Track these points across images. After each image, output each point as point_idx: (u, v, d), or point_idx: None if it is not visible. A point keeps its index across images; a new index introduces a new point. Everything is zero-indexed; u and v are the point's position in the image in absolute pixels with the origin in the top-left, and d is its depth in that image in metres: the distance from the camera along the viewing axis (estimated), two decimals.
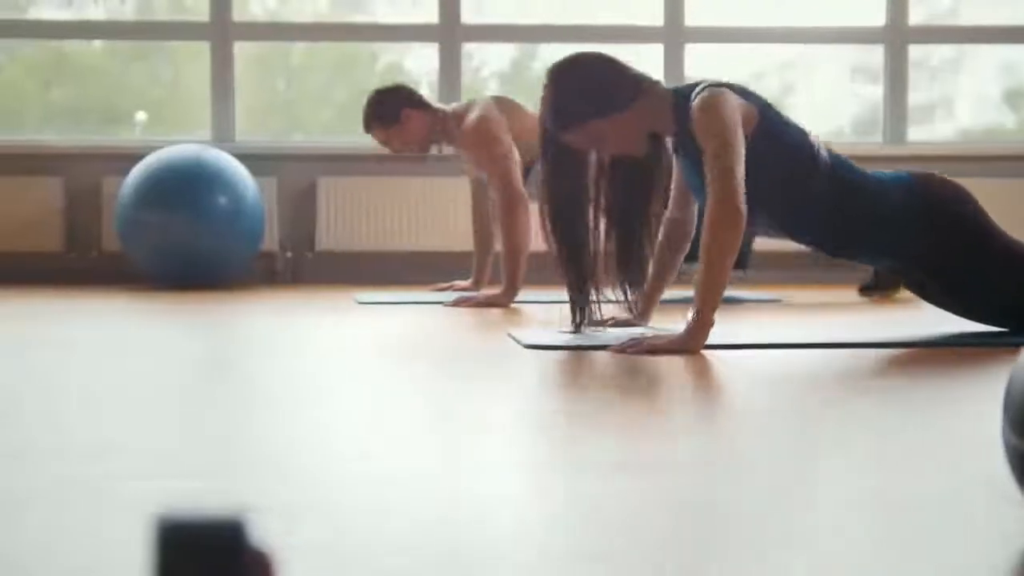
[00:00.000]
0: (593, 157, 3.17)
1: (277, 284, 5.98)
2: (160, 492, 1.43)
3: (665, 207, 3.30)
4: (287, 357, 2.87)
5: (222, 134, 6.18)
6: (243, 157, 5.72)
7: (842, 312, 4.25)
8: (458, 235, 5.91)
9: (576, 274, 3.19)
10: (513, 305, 4.48)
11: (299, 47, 6.88)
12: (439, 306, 4.45)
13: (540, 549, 1.20)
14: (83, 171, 6.05)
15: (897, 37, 6.38)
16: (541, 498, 1.43)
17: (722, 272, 2.87)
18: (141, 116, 6.72)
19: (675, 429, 1.88)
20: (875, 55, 6.54)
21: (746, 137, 2.97)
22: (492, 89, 6.91)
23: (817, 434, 1.84)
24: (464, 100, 4.94)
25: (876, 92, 6.60)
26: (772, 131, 3.02)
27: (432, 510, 1.35)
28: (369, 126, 4.82)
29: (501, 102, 4.75)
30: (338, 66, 7.03)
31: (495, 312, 4.22)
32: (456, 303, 4.44)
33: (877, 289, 4.82)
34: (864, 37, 6.50)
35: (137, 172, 5.48)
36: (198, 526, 0.63)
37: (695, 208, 3.35)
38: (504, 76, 7.09)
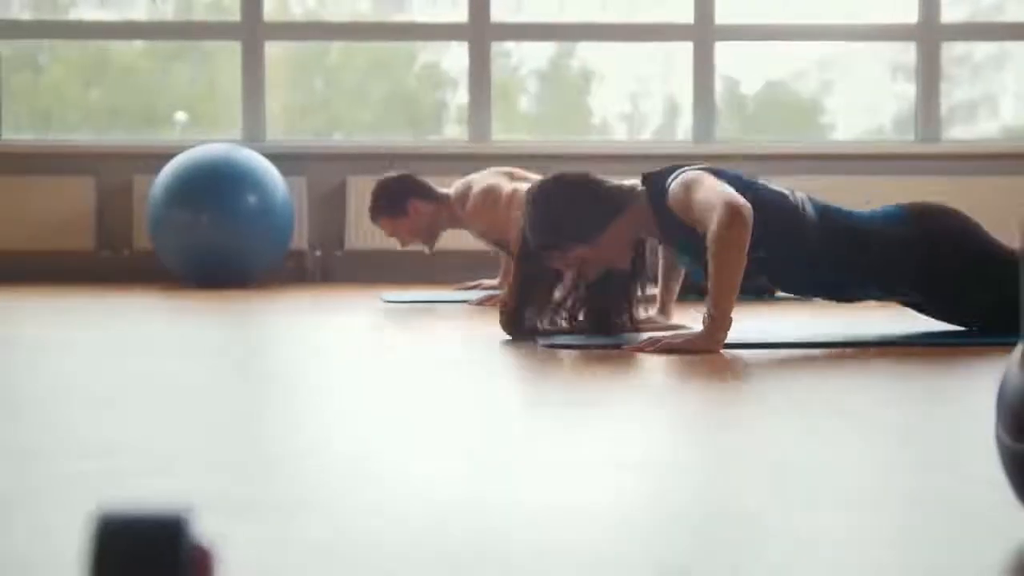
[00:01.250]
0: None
1: (307, 283, 6.00)
2: (161, 491, 1.44)
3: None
4: (306, 356, 2.88)
5: (253, 134, 6.21)
6: (273, 156, 5.75)
7: (875, 310, 4.22)
8: None
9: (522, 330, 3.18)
10: None
11: (337, 47, 6.91)
12: (464, 305, 4.45)
13: (541, 549, 1.20)
14: (115, 170, 6.09)
15: (929, 35, 6.33)
16: (543, 498, 1.43)
17: (734, 270, 2.85)
18: (181, 116, 6.77)
19: (680, 428, 1.88)
20: (914, 53, 6.49)
21: None
22: (531, 88, 6.93)
23: (822, 431, 1.84)
24: (462, 180, 4.89)
25: (915, 89, 6.55)
26: (754, 198, 2.97)
27: (434, 510, 1.35)
28: (376, 218, 4.82)
29: (500, 170, 4.78)
30: (376, 66, 7.05)
31: None
32: (481, 302, 4.45)
33: None
34: (896, 34, 6.46)
35: (168, 171, 5.52)
36: (138, 521, 0.63)
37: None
38: (542, 74, 7.10)
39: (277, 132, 6.35)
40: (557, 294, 3.17)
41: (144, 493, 1.42)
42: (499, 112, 6.49)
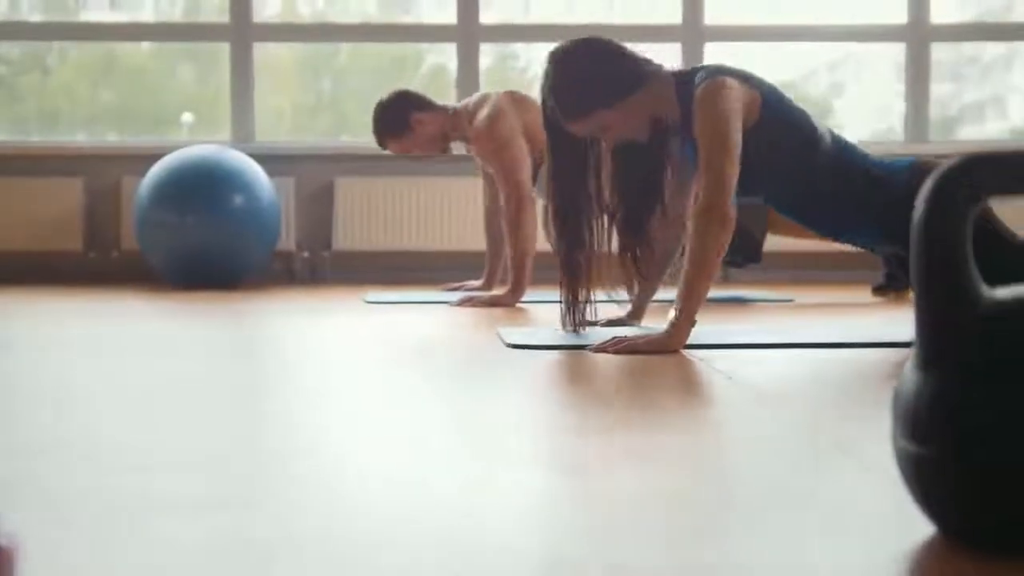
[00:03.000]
0: (598, 142, 3.16)
1: (295, 283, 6.02)
2: (155, 488, 1.45)
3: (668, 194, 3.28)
4: (290, 358, 2.90)
5: (242, 135, 6.22)
6: (262, 158, 5.76)
7: (854, 312, 4.22)
8: (474, 235, 5.92)
9: (573, 272, 3.18)
10: (519, 305, 4.49)
11: (345, 49, 6.94)
12: (445, 305, 4.46)
13: (539, 547, 1.21)
14: (103, 172, 6.11)
15: (918, 35, 6.33)
16: (539, 497, 1.43)
17: (706, 274, 2.86)
18: (187, 117, 6.80)
19: (650, 429, 1.89)
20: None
21: (749, 123, 2.98)
22: (537, 90, 6.92)
23: (761, 432, 1.85)
24: (475, 95, 4.91)
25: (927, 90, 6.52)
26: (775, 116, 3.00)
27: (430, 509, 1.36)
28: (383, 141, 4.81)
29: (515, 97, 4.73)
30: (385, 68, 7.07)
31: (498, 312, 4.23)
32: (461, 302, 4.46)
33: (891, 289, 4.80)
34: (885, 35, 6.46)
35: (154, 173, 5.53)
36: None
37: (688, 208, 3.34)
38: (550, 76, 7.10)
39: (281, 133, 6.37)
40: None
41: (139, 491, 1.43)
42: None
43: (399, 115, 4.72)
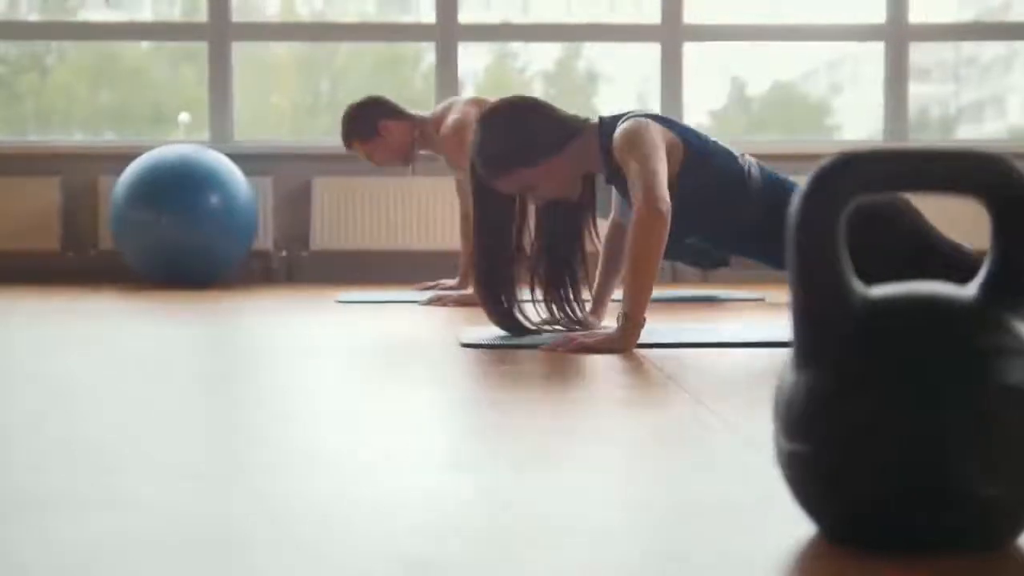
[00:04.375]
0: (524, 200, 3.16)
1: (272, 283, 6.02)
2: (148, 488, 1.46)
3: (595, 241, 3.29)
4: (258, 357, 2.92)
5: (220, 135, 6.22)
6: (240, 157, 5.76)
7: None
8: (450, 235, 5.93)
9: (499, 312, 3.16)
10: None
11: (344, 49, 6.95)
12: (415, 305, 4.47)
13: (532, 546, 1.21)
14: (80, 171, 6.11)
15: (897, 35, 6.32)
16: (531, 497, 1.44)
17: (649, 271, 2.86)
18: (184, 117, 6.80)
19: (555, 430, 1.89)
20: (924, 54, 6.44)
21: (675, 167, 3.01)
22: (538, 90, 6.94)
23: (680, 432, 1.85)
24: (442, 103, 4.91)
25: (924, 90, 6.51)
26: (700, 159, 3.00)
27: (421, 509, 1.36)
28: (349, 142, 4.84)
29: (479, 104, 4.75)
30: (383, 67, 7.08)
31: (466, 311, 4.23)
32: (430, 301, 4.46)
33: None
34: (864, 35, 6.45)
35: (130, 172, 5.53)
36: None
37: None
38: (548, 75, 7.11)
39: (281, 132, 6.38)
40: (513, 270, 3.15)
41: (130, 491, 1.44)
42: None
43: (368, 120, 4.77)
